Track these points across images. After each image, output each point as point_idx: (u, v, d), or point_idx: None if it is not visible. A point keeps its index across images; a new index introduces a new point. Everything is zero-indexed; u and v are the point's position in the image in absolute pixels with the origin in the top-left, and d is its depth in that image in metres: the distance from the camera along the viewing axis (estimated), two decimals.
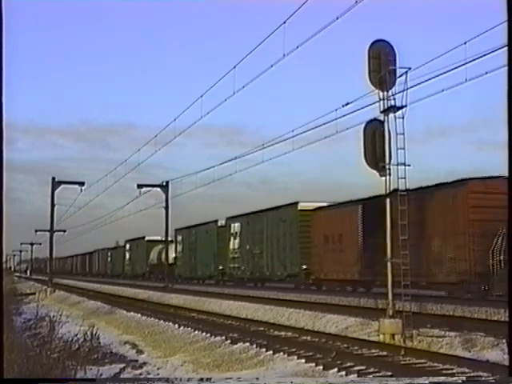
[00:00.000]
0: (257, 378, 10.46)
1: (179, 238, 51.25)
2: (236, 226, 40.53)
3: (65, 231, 60.79)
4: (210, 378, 9.57)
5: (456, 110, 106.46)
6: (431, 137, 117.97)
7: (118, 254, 73.51)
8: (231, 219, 41.60)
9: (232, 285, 39.52)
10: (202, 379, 8.31)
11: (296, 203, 33.47)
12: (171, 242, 51.49)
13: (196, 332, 18.32)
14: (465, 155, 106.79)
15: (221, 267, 43.15)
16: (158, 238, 53.40)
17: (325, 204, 31.93)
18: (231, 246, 40.94)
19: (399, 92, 14.71)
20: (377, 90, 14.90)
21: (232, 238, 40.93)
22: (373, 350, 13.16)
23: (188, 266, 49.54)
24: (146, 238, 60.85)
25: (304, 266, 31.94)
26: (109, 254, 78.14)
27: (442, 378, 6.95)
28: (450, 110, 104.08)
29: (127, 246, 68.66)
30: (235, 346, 15.33)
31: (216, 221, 44.70)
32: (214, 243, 44.18)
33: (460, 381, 6.73)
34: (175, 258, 51.54)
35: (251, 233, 38.36)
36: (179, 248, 51.21)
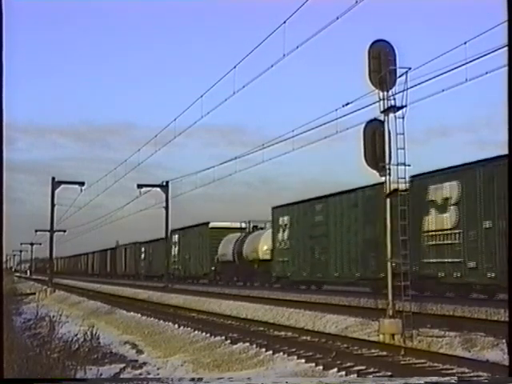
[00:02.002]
0: (248, 378, 10.46)
1: (283, 221, 34.19)
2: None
3: (65, 231, 60.75)
4: (202, 378, 9.58)
5: (456, 109, 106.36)
6: (432, 137, 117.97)
7: (157, 249, 54.56)
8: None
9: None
10: (193, 379, 8.30)
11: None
12: (241, 229, 43.14)
13: (196, 332, 18.32)
14: (465, 155, 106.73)
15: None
16: (227, 223, 45.25)
17: None
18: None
19: (399, 92, 14.72)
20: (377, 90, 14.90)
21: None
22: (373, 350, 13.17)
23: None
24: (212, 225, 45.35)
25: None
26: (142, 249, 61.21)
27: (434, 378, 6.93)
28: (451, 109, 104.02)
29: (175, 236, 51.13)
30: (235, 346, 15.33)
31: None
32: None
33: (453, 381, 6.73)
34: (272, 250, 35.25)
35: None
36: (284, 236, 34.08)
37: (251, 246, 38.60)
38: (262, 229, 40.14)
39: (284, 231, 33.77)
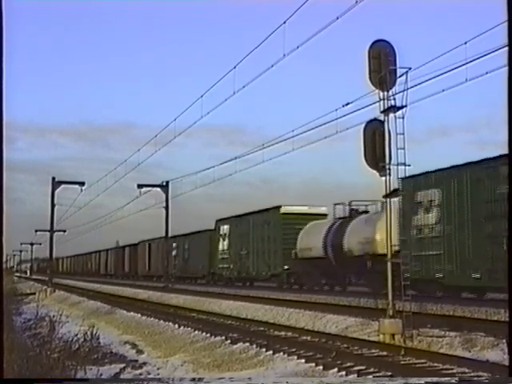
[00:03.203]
0: (249, 378, 10.46)
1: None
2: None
3: (65, 231, 60.76)
4: (203, 378, 9.58)
5: (457, 109, 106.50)
6: (432, 137, 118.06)
7: (198, 244, 45.87)
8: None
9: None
10: (194, 379, 8.29)
11: None
12: (323, 215, 33.20)
13: (196, 332, 18.32)
14: (466, 155, 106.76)
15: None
16: (305, 208, 34.45)
17: None
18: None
19: (399, 92, 14.72)
20: (377, 90, 14.90)
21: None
22: (373, 350, 13.17)
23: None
24: (285, 209, 34.16)
25: None
26: (174, 244, 50.09)
27: (435, 379, 6.93)
28: (451, 109, 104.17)
29: (224, 227, 40.96)
30: (235, 346, 15.34)
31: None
32: None
33: (454, 381, 6.72)
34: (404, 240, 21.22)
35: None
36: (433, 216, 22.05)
37: (360, 234, 27.20)
38: (364, 212, 29.47)
39: (432, 210, 22.04)
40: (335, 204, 30.95)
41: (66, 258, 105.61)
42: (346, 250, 28.14)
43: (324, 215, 33.52)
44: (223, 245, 40.83)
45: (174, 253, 50.31)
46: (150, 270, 56.85)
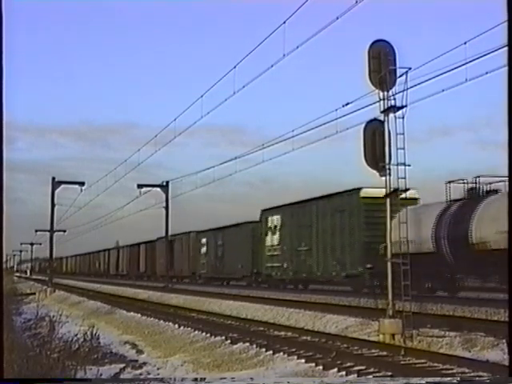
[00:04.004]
0: (251, 378, 10.46)
1: None
2: None
3: (65, 231, 60.73)
4: (204, 378, 9.57)
5: (458, 109, 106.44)
6: (433, 136, 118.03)
7: (236, 239, 39.37)
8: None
9: None
10: (196, 379, 8.30)
11: None
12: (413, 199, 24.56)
13: (196, 332, 18.32)
14: (467, 155, 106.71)
15: None
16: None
17: None
18: None
19: (399, 92, 14.72)
20: (377, 90, 14.90)
21: None
22: (373, 350, 13.17)
23: None
24: (366, 192, 26.57)
25: None
26: (203, 240, 45.12)
27: (437, 379, 6.92)
28: (452, 109, 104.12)
29: (273, 218, 34.09)
30: (235, 346, 15.34)
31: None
32: None
33: (455, 381, 6.71)
34: None
35: None
36: None
37: (501, 221, 17.93)
38: (492, 192, 22.12)
39: None
40: (448, 182, 23.38)
41: (71, 257, 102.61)
42: (475, 241, 20.97)
43: (414, 199, 25.62)
44: (272, 239, 34.08)
45: (203, 250, 44.58)
46: (170, 270, 49.77)
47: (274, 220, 34.19)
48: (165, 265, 49.85)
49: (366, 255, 25.78)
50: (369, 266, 25.54)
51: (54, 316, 19.26)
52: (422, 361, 11.73)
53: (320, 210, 29.95)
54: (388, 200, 15.01)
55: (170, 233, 46.15)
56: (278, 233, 33.72)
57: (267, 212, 35.34)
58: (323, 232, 29.32)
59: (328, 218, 29.04)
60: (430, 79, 15.65)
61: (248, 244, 37.41)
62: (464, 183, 22.95)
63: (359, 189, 26.99)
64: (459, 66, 15.17)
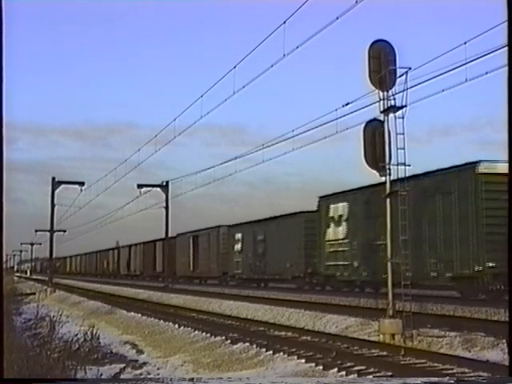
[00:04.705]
0: (247, 378, 10.47)
1: None
2: None
3: (65, 231, 60.73)
4: (201, 378, 9.57)
5: (458, 109, 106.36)
6: (434, 136, 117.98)
7: (282, 233, 33.55)
8: None
9: None
10: (192, 379, 8.29)
11: None
12: None
13: (196, 332, 18.32)
14: (468, 154, 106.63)
15: None
16: None
17: None
18: None
19: (399, 92, 14.72)
20: (377, 90, 14.90)
21: None
22: (373, 350, 13.17)
23: None
24: (486, 168, 20.76)
25: None
26: (238, 235, 39.39)
27: (434, 379, 6.91)
28: (453, 109, 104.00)
29: (336, 207, 28.26)
30: (235, 346, 15.34)
31: None
32: None
33: (452, 381, 6.70)
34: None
35: None
36: None
37: None
38: None
39: None
40: None
41: (75, 256, 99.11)
42: None
43: None
44: (336, 232, 27.98)
45: (236, 247, 38.97)
46: (195, 270, 45.65)
47: (339, 208, 27.72)
48: (187, 264, 46.45)
49: (486, 250, 20.30)
50: (490, 264, 20.24)
51: (54, 316, 19.26)
52: (422, 361, 11.73)
53: (410, 193, 22.81)
54: (388, 200, 14.98)
55: (169, 233, 46.11)
56: (344, 224, 27.49)
57: (328, 199, 28.89)
58: (416, 221, 21.69)
59: (423, 202, 22.58)
60: (430, 79, 15.66)
61: (300, 239, 31.50)
62: None
63: (475, 163, 21.13)
64: (459, 66, 15.19)
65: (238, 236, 39.20)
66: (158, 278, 50.84)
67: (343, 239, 27.53)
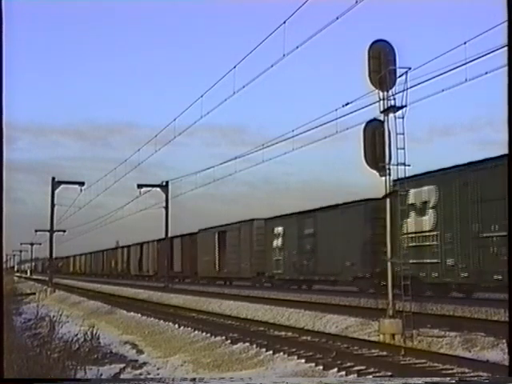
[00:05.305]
0: (250, 378, 10.47)
1: None
2: None
3: (65, 231, 60.74)
4: (203, 378, 9.57)
5: (459, 109, 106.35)
6: (434, 136, 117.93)
7: (337, 227, 28.31)
8: None
9: None
10: (194, 379, 8.30)
11: None
12: None
13: (196, 332, 18.33)
14: (468, 154, 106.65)
15: None
16: None
17: None
18: None
19: (399, 92, 14.72)
20: (377, 90, 14.90)
21: None
22: (373, 350, 13.17)
23: None
24: None
25: None
26: (277, 229, 34.09)
27: (436, 379, 6.91)
28: (453, 108, 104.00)
29: (420, 192, 22.30)
30: (235, 346, 15.34)
31: None
32: None
33: (454, 381, 6.70)
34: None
35: None
36: None
37: None
38: None
39: None
40: None
41: (80, 255, 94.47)
42: None
43: None
44: (418, 223, 22.66)
45: (276, 243, 33.75)
46: (221, 270, 40.79)
47: (421, 194, 22.49)
48: (212, 263, 41.59)
49: None
50: None
51: (54, 316, 19.26)
52: (422, 361, 11.73)
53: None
54: (388, 200, 14.98)
55: (169, 233, 46.01)
56: (429, 213, 22.31)
57: (404, 182, 21.93)
58: None
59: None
60: (429, 79, 15.67)
61: (364, 232, 26.22)
62: None
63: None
64: (459, 66, 15.19)
65: (278, 230, 33.71)
66: (174, 279, 46.87)
67: (429, 231, 22.27)
